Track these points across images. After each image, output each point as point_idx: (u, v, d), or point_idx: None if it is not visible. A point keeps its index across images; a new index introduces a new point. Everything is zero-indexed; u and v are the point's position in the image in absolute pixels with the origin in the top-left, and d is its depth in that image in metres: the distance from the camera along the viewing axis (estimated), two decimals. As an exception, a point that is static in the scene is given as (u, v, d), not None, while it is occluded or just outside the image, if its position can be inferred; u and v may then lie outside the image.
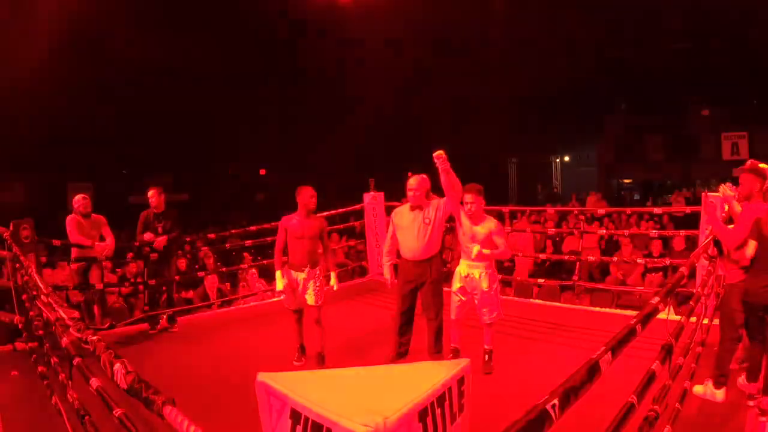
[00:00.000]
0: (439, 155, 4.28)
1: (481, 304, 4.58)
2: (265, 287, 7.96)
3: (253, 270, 8.07)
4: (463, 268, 4.59)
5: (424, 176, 4.71)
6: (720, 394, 3.82)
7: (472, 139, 19.63)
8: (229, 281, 8.37)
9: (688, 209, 6.53)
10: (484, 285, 4.51)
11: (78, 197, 6.31)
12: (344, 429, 2.05)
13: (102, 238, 6.28)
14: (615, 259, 7.21)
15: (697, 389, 3.87)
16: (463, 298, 4.64)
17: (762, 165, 3.97)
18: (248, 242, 7.79)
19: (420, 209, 4.66)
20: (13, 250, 5.12)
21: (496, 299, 4.60)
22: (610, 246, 9.36)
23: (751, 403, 3.52)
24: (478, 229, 4.49)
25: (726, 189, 4.04)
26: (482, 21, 18.02)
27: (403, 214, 4.76)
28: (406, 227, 4.70)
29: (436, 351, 4.79)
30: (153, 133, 16.36)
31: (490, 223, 4.49)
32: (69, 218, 6.21)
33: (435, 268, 4.67)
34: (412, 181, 4.67)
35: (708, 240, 4.01)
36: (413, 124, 19.48)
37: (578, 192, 23.12)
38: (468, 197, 4.43)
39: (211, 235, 7.70)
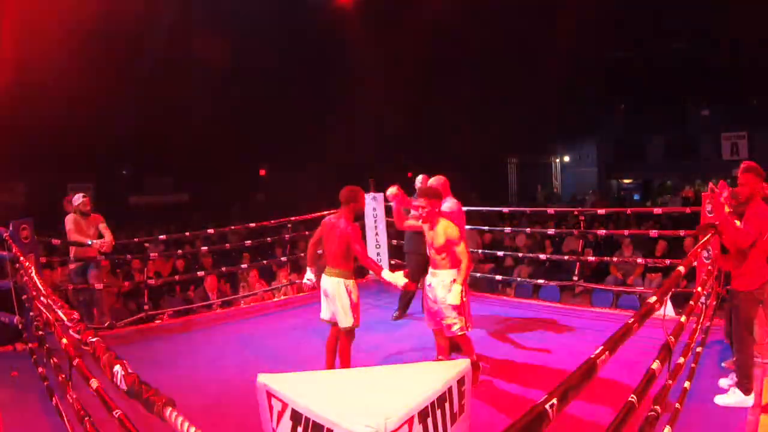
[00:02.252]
0: (391, 194, 4.47)
1: (440, 315, 4.23)
2: (264, 287, 7.98)
3: (254, 270, 8.08)
4: (428, 275, 4.36)
5: (441, 177, 5.00)
6: (750, 399, 3.74)
7: (472, 139, 19.65)
8: (229, 281, 8.38)
9: (688, 209, 6.55)
10: (440, 294, 4.18)
11: (78, 195, 6.33)
12: (345, 430, 2.05)
13: (100, 236, 6.28)
14: (615, 259, 7.21)
15: (725, 399, 3.77)
16: (429, 306, 4.34)
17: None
18: (248, 242, 7.81)
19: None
20: (13, 250, 5.12)
21: (457, 311, 4.17)
22: (609, 246, 9.36)
23: None
24: (433, 234, 4.23)
25: (715, 189, 4.01)
26: (482, 22, 18.01)
27: None
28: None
29: (451, 352, 4.89)
30: (153, 133, 16.35)
31: (446, 228, 4.18)
32: (68, 217, 6.22)
33: None
34: (430, 181, 4.97)
35: (706, 239, 4.00)
36: (413, 125, 19.49)
37: (578, 192, 23.19)
38: (420, 201, 4.22)
39: (211, 231, 7.72)
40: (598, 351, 1.81)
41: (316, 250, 4.54)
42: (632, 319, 2.15)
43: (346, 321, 4.15)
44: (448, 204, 4.92)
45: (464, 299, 4.16)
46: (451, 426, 2.47)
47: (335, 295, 4.15)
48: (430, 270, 4.31)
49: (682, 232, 6.98)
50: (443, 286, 4.16)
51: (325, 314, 4.32)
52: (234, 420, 3.88)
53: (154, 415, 1.70)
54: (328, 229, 4.32)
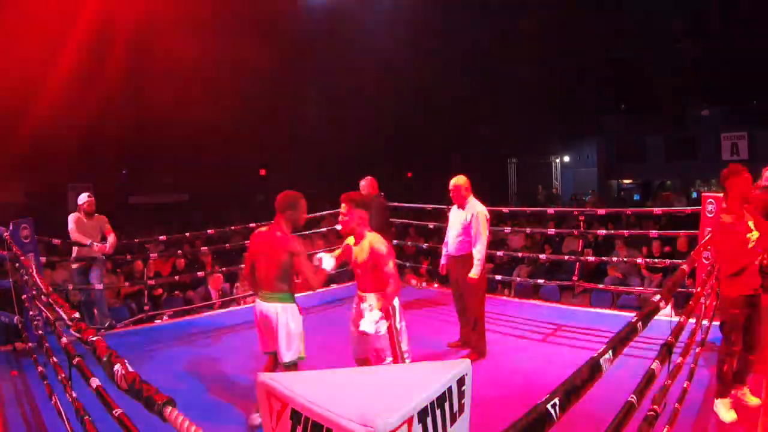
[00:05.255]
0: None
1: (370, 347, 3.61)
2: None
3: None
4: (355, 297, 3.77)
5: (461, 176, 5.09)
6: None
7: (472, 139, 19.64)
8: (229, 281, 8.38)
9: (689, 210, 6.56)
10: (367, 325, 3.44)
11: (83, 195, 6.33)
12: (344, 429, 2.04)
13: (104, 237, 6.28)
14: (614, 259, 7.21)
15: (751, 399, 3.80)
16: (355, 333, 3.67)
17: None
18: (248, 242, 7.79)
19: (462, 208, 5.05)
20: (13, 250, 5.12)
21: (389, 344, 3.55)
22: (609, 247, 9.36)
23: None
24: (358, 250, 3.62)
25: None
26: (483, 22, 18.01)
27: (453, 210, 5.19)
28: (450, 223, 5.15)
29: (471, 346, 5.04)
30: (153, 133, 16.34)
31: (373, 243, 3.57)
32: (71, 217, 6.22)
33: (467, 266, 4.93)
34: (453, 181, 5.06)
35: (707, 238, 4.00)
36: (413, 125, 19.48)
37: (578, 192, 23.18)
38: (342, 206, 3.63)
39: (211, 231, 7.71)
40: (601, 350, 1.80)
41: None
42: (636, 318, 2.14)
43: (287, 355, 3.48)
44: (477, 204, 5.03)
45: (396, 327, 3.57)
46: (451, 426, 2.46)
47: (274, 325, 3.50)
48: (357, 292, 3.72)
49: (681, 232, 6.99)
50: (369, 312, 3.52)
51: (262, 346, 3.66)
52: (234, 419, 3.88)
53: (154, 414, 1.70)
54: (259, 245, 3.64)
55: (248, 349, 5.53)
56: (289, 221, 3.57)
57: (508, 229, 8.45)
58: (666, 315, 3.42)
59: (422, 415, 2.26)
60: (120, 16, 13.88)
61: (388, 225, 6.78)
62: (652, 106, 22.00)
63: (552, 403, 1.43)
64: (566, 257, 7.67)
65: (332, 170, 17.93)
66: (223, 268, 7.93)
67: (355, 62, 17.57)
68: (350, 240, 3.75)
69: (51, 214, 8.74)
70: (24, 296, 5.18)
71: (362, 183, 6.65)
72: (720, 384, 3.67)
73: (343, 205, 3.61)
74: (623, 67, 21.24)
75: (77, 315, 2.67)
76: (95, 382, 2.32)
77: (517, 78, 19.19)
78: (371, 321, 3.42)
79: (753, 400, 3.74)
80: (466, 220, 4.96)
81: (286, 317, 3.47)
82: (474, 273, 4.86)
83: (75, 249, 6.26)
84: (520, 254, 8.90)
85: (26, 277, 4.53)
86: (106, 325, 6.15)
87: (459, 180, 5.06)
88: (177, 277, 7.68)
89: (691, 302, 3.28)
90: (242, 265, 8.18)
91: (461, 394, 2.59)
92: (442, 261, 5.32)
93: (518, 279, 7.89)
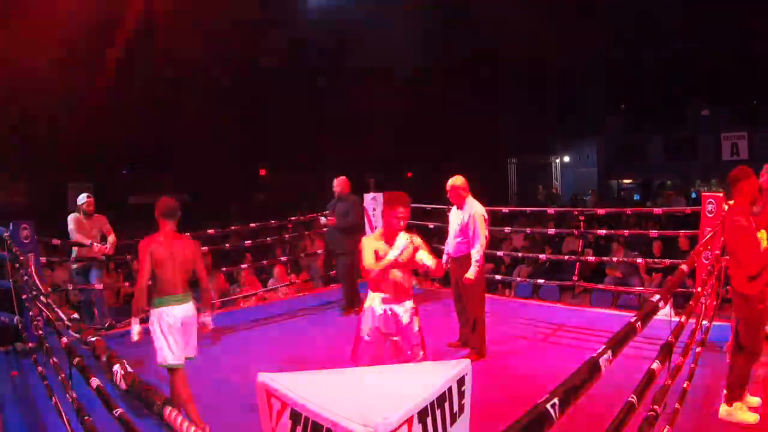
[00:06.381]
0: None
1: (406, 345, 3.51)
2: (258, 287, 7.98)
3: (246, 270, 8.09)
4: (377, 304, 3.49)
5: (458, 177, 5.09)
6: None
7: (472, 139, 19.64)
8: (229, 281, 8.37)
9: (689, 209, 6.55)
10: (413, 322, 3.51)
11: (82, 195, 6.33)
12: (344, 429, 2.05)
13: (104, 237, 6.28)
14: (614, 260, 7.20)
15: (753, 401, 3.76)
16: (385, 340, 3.55)
17: None
18: (248, 242, 7.80)
19: (460, 209, 5.07)
20: (13, 250, 5.12)
21: (421, 336, 3.57)
22: (609, 247, 9.34)
23: None
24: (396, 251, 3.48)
25: None
26: (483, 21, 18.01)
27: (452, 211, 5.21)
28: (450, 224, 5.18)
29: (471, 347, 5.01)
30: (153, 133, 16.35)
31: (415, 239, 3.55)
32: (71, 217, 6.22)
33: (465, 267, 4.92)
34: (450, 182, 5.06)
35: (707, 238, 4.00)
36: (414, 125, 19.47)
37: (578, 192, 23.19)
38: (401, 210, 3.44)
39: (211, 231, 7.71)
40: (601, 349, 1.80)
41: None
42: (636, 318, 2.14)
43: (195, 350, 3.80)
44: (476, 204, 5.04)
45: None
46: (451, 426, 2.47)
47: (193, 325, 3.77)
48: (384, 296, 3.49)
49: (681, 233, 6.98)
50: (409, 313, 3.50)
51: (176, 356, 3.63)
52: (233, 420, 3.88)
53: (154, 414, 1.70)
54: (163, 250, 3.64)
55: (248, 349, 5.53)
56: (175, 226, 3.78)
57: (508, 229, 8.44)
58: (666, 315, 3.41)
59: (422, 415, 2.26)
60: (121, 16, 13.89)
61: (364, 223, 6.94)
62: (652, 106, 22.00)
63: (551, 403, 1.44)
64: (566, 257, 7.66)
65: (332, 170, 17.92)
66: (224, 268, 7.92)
67: (356, 62, 17.57)
68: (380, 244, 3.52)
69: (51, 214, 8.74)
70: (24, 296, 5.17)
71: (335, 182, 6.67)
72: (737, 387, 3.60)
73: (401, 209, 3.43)
74: (623, 67, 21.24)
75: (76, 315, 2.68)
76: (95, 382, 2.32)
77: (517, 78, 19.19)
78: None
79: (753, 401, 3.73)
80: (464, 221, 4.95)
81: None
82: (470, 274, 4.85)
83: (75, 249, 6.26)
84: (520, 254, 8.89)
85: (26, 278, 4.52)
86: (106, 325, 6.14)
87: (456, 180, 5.05)
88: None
89: (691, 302, 3.28)
90: (243, 266, 8.21)
91: (461, 395, 2.59)
92: (444, 261, 5.31)
93: (518, 279, 7.88)
